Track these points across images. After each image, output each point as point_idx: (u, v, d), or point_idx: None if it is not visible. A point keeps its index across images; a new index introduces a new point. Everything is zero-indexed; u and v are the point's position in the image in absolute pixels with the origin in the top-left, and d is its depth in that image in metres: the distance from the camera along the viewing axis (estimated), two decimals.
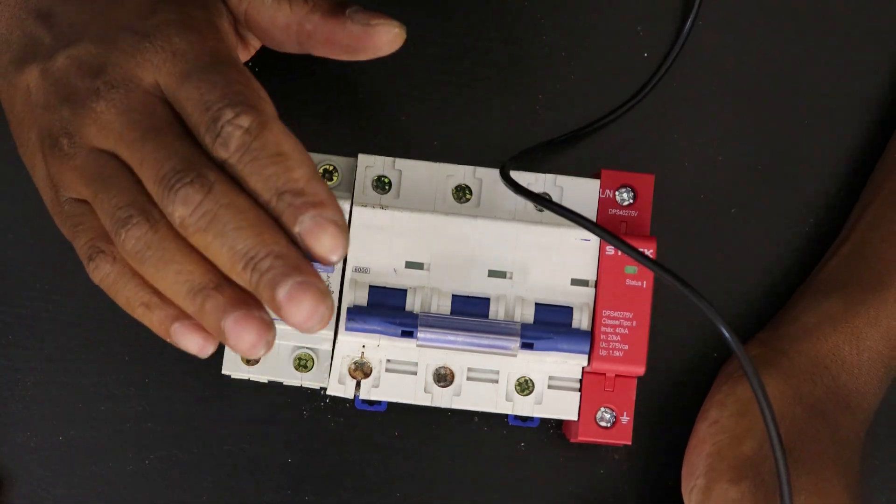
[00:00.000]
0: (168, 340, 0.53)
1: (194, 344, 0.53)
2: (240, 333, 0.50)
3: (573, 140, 0.66)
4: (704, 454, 0.61)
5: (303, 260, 0.49)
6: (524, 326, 0.60)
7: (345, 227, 0.49)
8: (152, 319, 0.54)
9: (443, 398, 0.61)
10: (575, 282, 0.61)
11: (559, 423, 0.65)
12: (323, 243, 0.49)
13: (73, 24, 0.55)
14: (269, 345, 0.50)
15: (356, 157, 0.62)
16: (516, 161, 0.62)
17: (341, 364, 0.61)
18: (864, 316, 0.62)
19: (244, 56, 0.60)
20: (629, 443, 0.61)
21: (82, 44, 0.54)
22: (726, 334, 0.55)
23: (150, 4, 0.54)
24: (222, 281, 0.51)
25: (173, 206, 0.50)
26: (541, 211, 0.62)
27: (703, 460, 0.61)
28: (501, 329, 0.60)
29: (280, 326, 0.60)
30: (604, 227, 0.58)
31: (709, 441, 0.61)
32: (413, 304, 0.60)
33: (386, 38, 0.57)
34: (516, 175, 0.62)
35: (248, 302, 0.50)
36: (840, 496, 0.60)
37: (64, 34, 0.55)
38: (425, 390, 0.61)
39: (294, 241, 0.49)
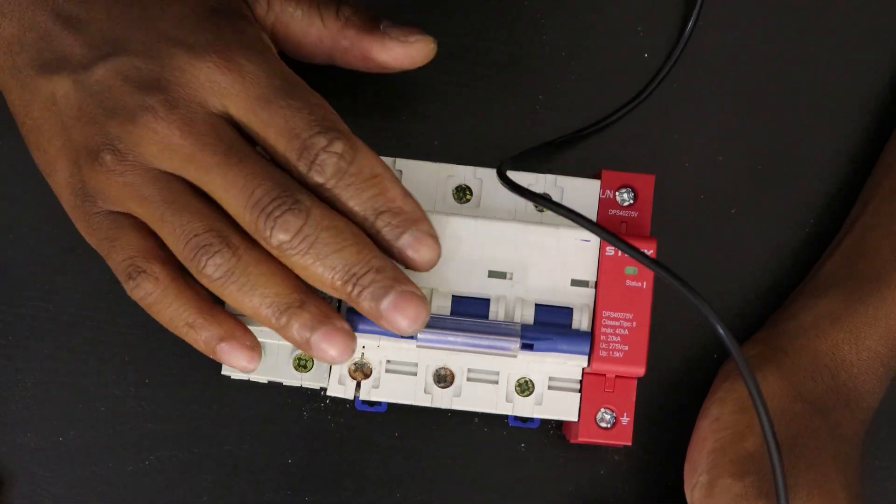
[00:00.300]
0: (212, 357, 0.56)
1: (241, 361, 0.57)
2: (328, 346, 0.55)
3: (573, 141, 0.66)
4: (706, 451, 0.61)
5: (399, 271, 0.54)
6: (524, 327, 0.60)
7: (437, 238, 0.55)
8: (197, 339, 0.56)
9: (443, 399, 0.61)
10: (575, 282, 0.61)
11: (559, 424, 0.65)
12: (423, 255, 0.55)
13: (109, 34, 0.54)
14: (353, 352, 0.56)
15: None
16: (515, 162, 0.62)
17: (341, 365, 0.61)
18: (864, 314, 0.62)
19: None
20: (629, 443, 0.61)
21: (125, 56, 0.54)
22: (722, 333, 0.55)
23: (195, 17, 0.54)
24: (306, 298, 0.54)
25: (272, 232, 0.53)
26: (541, 211, 0.62)
27: (705, 457, 0.61)
28: (501, 330, 0.60)
29: None
30: (601, 225, 0.58)
31: (711, 438, 0.61)
32: None
33: (423, 53, 0.59)
34: (516, 175, 0.62)
35: (330, 315, 0.55)
36: (839, 493, 0.60)
37: (99, 44, 0.54)
38: (425, 391, 0.61)
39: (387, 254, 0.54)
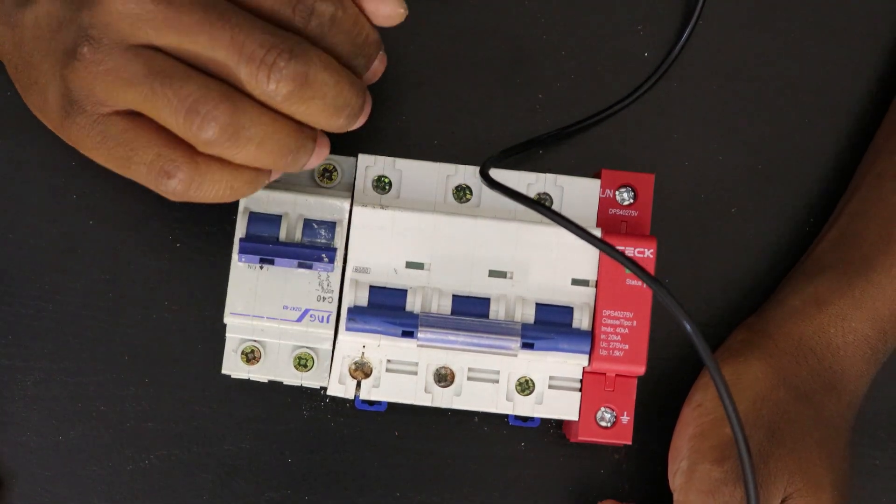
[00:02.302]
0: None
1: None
2: (321, 155, 0.55)
3: (560, 138, 0.66)
4: (688, 437, 0.61)
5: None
6: (524, 326, 0.60)
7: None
8: (256, 187, 0.55)
9: (443, 398, 0.61)
10: (575, 282, 0.61)
11: (559, 423, 0.65)
12: (383, 70, 0.57)
13: None
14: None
15: (356, 156, 0.62)
16: (498, 161, 0.62)
17: (341, 364, 0.61)
18: (850, 297, 0.62)
19: None
20: (629, 443, 0.61)
21: None
22: (687, 327, 0.54)
23: None
24: (302, 127, 0.54)
25: (277, 84, 0.52)
26: None
27: (686, 443, 0.61)
28: (502, 329, 0.60)
29: (280, 326, 0.61)
30: (571, 220, 0.58)
31: (692, 424, 0.61)
32: (413, 304, 0.60)
33: (388, 10, 0.57)
34: (517, 176, 0.62)
35: (315, 132, 0.55)
36: (823, 477, 0.60)
37: None
38: (426, 390, 0.61)
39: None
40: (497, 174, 0.62)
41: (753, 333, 0.63)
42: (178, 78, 0.52)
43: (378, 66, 0.57)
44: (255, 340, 0.61)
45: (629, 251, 0.61)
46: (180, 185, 0.54)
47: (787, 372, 0.62)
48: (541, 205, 0.57)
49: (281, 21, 0.53)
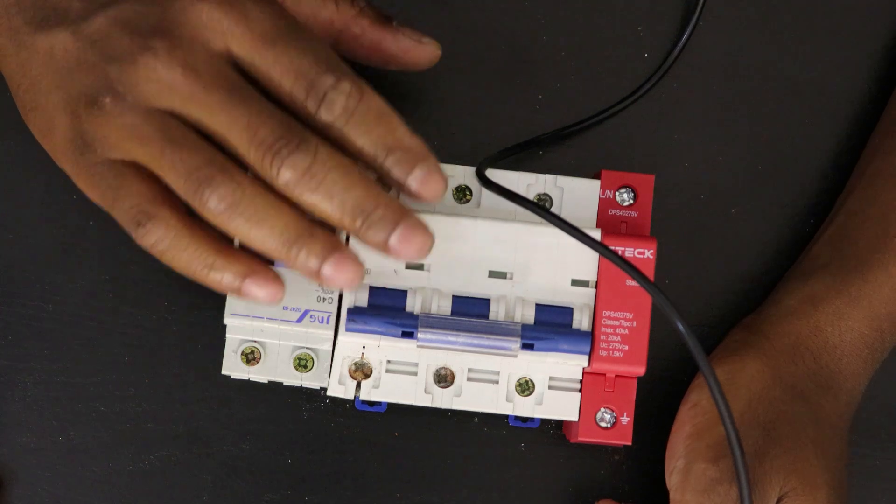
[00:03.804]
0: (237, 295, 0.55)
1: (268, 294, 0.55)
2: (339, 273, 0.54)
3: (562, 139, 0.67)
4: (684, 436, 0.61)
5: (404, 205, 0.54)
6: (524, 327, 0.60)
7: (444, 174, 0.54)
8: (220, 280, 0.55)
9: (443, 399, 0.61)
10: (575, 282, 0.61)
11: (559, 424, 0.65)
12: (433, 189, 0.54)
13: None
14: (362, 280, 0.55)
15: None
16: (494, 162, 0.62)
17: (341, 365, 0.61)
18: (847, 296, 0.62)
19: None
20: (629, 443, 0.61)
21: (124, 3, 0.54)
22: (680, 326, 0.54)
23: None
24: (314, 228, 0.54)
25: (279, 170, 0.52)
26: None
27: (682, 442, 0.61)
28: (502, 330, 0.60)
29: (280, 327, 0.61)
30: (558, 216, 0.58)
31: (688, 423, 0.61)
32: (413, 304, 0.60)
33: (430, 56, 0.61)
34: (517, 176, 0.62)
35: (338, 244, 0.54)
36: (818, 476, 0.60)
37: None
38: (426, 391, 0.61)
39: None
40: (497, 175, 0.62)
41: (750, 333, 0.63)
42: (189, 148, 0.53)
43: (422, 179, 0.54)
44: (255, 341, 0.61)
45: (629, 252, 0.61)
46: (146, 237, 0.54)
47: (783, 371, 0.62)
48: (535, 205, 0.57)
49: (297, 107, 0.54)
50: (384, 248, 0.54)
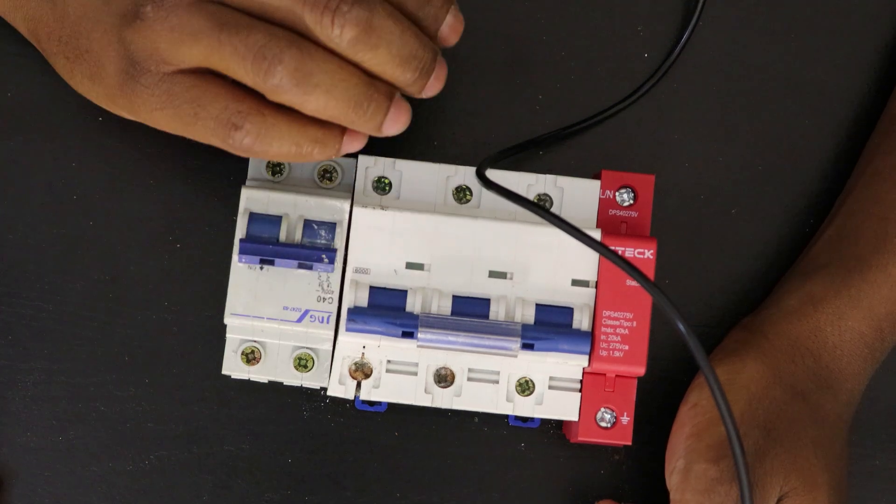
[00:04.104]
0: (334, 156, 0.56)
1: (361, 143, 0.56)
2: (398, 119, 0.55)
3: (562, 139, 0.66)
4: (684, 436, 0.61)
5: (436, 48, 0.56)
6: (525, 327, 0.60)
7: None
8: (325, 151, 0.56)
9: (443, 399, 0.61)
10: (575, 282, 0.61)
11: (559, 424, 0.65)
12: (458, 31, 0.57)
13: None
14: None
15: (356, 157, 0.62)
16: (494, 162, 0.62)
17: (342, 365, 0.61)
18: (846, 296, 0.62)
19: None
20: (629, 443, 0.62)
21: None
22: (682, 328, 0.54)
23: None
24: (373, 81, 0.54)
25: (342, 29, 0.53)
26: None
27: (682, 442, 0.61)
28: (502, 330, 0.60)
29: (280, 327, 0.61)
30: (557, 215, 0.58)
31: (688, 423, 0.61)
32: (413, 304, 0.60)
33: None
34: (517, 177, 0.62)
35: (392, 91, 0.55)
36: (819, 476, 0.60)
37: None
38: (426, 391, 0.61)
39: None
40: (497, 175, 0.62)
41: (749, 333, 0.63)
42: (245, 27, 0.53)
43: (453, 24, 0.57)
44: (255, 341, 0.61)
45: (629, 252, 0.61)
46: (247, 137, 0.54)
47: (782, 371, 0.62)
48: (535, 205, 0.57)
49: None
50: (417, 90, 0.56)
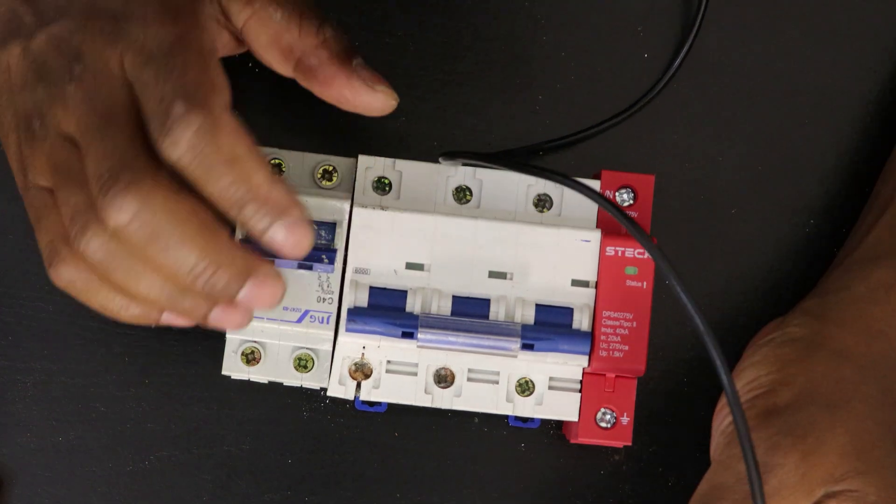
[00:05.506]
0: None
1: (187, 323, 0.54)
2: (226, 321, 0.52)
3: (551, 149, 0.67)
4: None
5: (251, 259, 0.50)
6: (524, 327, 0.60)
7: (310, 222, 0.49)
8: (147, 317, 0.54)
9: (443, 399, 0.61)
10: (575, 282, 0.61)
11: (559, 424, 0.65)
12: (300, 245, 0.49)
13: (57, 3, 0.52)
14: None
15: (356, 157, 0.62)
16: (454, 157, 0.62)
17: (341, 365, 0.61)
18: None
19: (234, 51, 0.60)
20: (629, 443, 0.61)
21: (63, 21, 0.51)
22: (700, 325, 0.54)
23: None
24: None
25: (105, 212, 0.48)
26: (541, 211, 0.62)
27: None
28: (502, 330, 0.60)
29: (280, 327, 0.61)
30: (612, 202, 0.58)
31: (742, 396, 0.60)
32: (413, 305, 0.60)
33: (382, 104, 0.58)
34: (517, 176, 0.62)
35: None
36: (884, 458, 0.59)
37: (46, 12, 0.52)
38: (426, 391, 0.61)
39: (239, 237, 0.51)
40: (497, 175, 0.62)
41: (815, 318, 0.62)
42: (74, 183, 0.50)
43: (290, 241, 0.49)
44: (254, 341, 0.61)
45: (629, 252, 0.61)
46: (58, 280, 0.52)
47: (852, 351, 0.60)
48: (515, 161, 0.57)
49: (152, 138, 0.49)
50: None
